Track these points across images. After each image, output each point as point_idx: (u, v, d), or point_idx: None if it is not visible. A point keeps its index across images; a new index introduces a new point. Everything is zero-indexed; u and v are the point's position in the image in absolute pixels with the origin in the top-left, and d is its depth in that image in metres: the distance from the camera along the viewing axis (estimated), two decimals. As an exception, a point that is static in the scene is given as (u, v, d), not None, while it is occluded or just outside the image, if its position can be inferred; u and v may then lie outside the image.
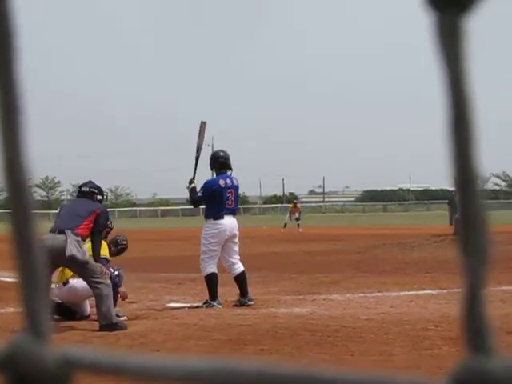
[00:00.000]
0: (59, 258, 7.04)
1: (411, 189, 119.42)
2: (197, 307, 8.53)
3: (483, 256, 0.43)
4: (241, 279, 8.89)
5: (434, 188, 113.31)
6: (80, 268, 7.36)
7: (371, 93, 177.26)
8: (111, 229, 8.50)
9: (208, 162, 9.29)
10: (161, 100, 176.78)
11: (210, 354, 5.57)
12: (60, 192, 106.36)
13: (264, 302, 8.81)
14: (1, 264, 13.42)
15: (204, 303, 8.61)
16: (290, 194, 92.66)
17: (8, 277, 10.94)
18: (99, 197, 8.04)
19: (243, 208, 74.48)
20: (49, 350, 0.48)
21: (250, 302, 8.71)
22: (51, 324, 0.50)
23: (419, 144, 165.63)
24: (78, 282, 7.74)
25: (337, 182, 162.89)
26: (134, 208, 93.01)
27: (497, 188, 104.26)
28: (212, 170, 9.27)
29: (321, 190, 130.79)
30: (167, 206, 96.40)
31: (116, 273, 8.07)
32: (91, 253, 7.56)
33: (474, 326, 0.42)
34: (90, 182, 8.15)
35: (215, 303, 8.58)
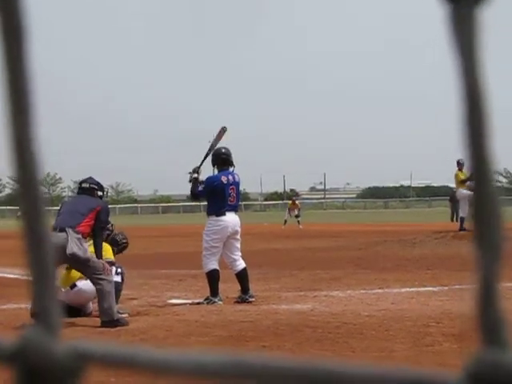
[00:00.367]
0: (60, 257, 7.05)
1: (412, 185, 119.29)
2: (198, 304, 8.53)
3: (497, 251, 0.43)
4: (242, 276, 8.89)
5: (435, 185, 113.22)
6: (82, 265, 7.37)
7: (372, 89, 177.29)
8: (112, 231, 8.46)
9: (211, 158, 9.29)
10: (161, 97, 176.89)
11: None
12: (61, 188, 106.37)
13: (265, 299, 8.81)
14: (2, 261, 13.45)
15: (205, 300, 8.61)
16: (291, 190, 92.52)
17: (9, 273, 10.94)
18: (100, 193, 8.05)
19: (244, 205, 74.47)
20: (59, 343, 0.48)
21: (251, 299, 8.71)
22: (61, 318, 0.50)
23: (420, 141, 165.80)
24: (85, 285, 7.72)
25: (338, 179, 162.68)
26: (136, 205, 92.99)
27: (498, 185, 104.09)
28: (214, 166, 9.27)
29: (322, 187, 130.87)
30: (168, 202, 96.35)
31: (119, 270, 8.07)
32: (93, 250, 7.56)
33: (489, 320, 0.42)
34: (90, 178, 8.15)
35: (216, 300, 8.58)
